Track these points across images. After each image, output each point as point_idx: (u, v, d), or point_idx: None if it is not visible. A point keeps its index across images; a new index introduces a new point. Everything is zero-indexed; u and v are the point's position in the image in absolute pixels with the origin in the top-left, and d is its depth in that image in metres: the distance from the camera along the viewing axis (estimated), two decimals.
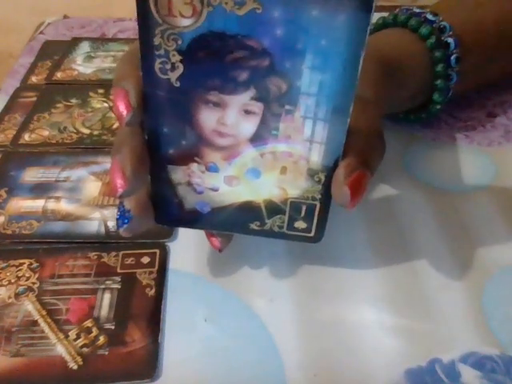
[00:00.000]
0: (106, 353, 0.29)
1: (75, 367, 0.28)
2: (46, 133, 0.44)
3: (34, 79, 0.51)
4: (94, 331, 0.30)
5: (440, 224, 0.37)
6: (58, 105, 0.48)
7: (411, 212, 0.38)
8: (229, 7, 0.22)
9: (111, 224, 0.36)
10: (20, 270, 0.33)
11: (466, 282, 0.33)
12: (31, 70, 0.52)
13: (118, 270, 0.33)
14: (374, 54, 0.23)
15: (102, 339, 0.30)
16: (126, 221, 0.28)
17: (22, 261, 0.34)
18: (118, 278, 0.33)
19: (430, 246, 0.35)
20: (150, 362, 0.29)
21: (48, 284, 0.33)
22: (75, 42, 0.57)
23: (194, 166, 0.27)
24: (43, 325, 0.30)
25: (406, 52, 0.40)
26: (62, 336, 0.30)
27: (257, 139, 0.26)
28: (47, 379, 0.28)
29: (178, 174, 0.27)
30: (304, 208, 0.28)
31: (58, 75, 0.52)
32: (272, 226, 0.29)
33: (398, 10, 0.43)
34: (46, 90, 0.50)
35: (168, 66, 0.24)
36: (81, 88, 0.50)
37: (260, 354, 0.29)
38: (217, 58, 0.24)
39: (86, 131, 0.45)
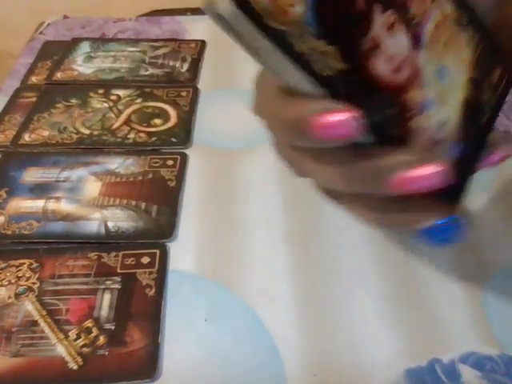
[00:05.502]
0: (106, 353, 0.29)
1: (75, 367, 0.29)
2: (46, 133, 0.44)
3: (34, 79, 0.51)
4: (94, 331, 0.30)
5: None
6: (58, 105, 0.48)
7: None
8: None
9: (111, 224, 0.36)
10: (20, 270, 0.33)
11: (465, 283, 0.33)
12: (31, 70, 0.52)
13: (118, 270, 0.33)
14: None
15: (101, 339, 0.30)
16: (461, 229, 0.24)
17: (22, 261, 0.34)
18: (118, 278, 0.33)
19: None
20: (150, 362, 0.29)
21: (48, 284, 0.33)
22: (75, 42, 0.57)
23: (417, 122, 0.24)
24: (43, 325, 0.30)
25: None
26: (62, 336, 0.30)
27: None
28: (47, 379, 0.28)
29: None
30: None
31: (58, 75, 0.52)
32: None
33: None
34: (45, 90, 0.50)
35: (322, 60, 0.21)
36: (81, 88, 0.50)
37: (260, 354, 0.29)
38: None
39: (86, 131, 0.45)
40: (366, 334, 0.30)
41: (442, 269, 0.34)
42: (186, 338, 0.30)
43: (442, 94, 0.25)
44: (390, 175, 0.22)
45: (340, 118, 0.21)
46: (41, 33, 0.59)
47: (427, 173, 0.22)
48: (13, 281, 0.33)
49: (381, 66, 0.22)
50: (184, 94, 0.49)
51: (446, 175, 0.22)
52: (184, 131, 0.45)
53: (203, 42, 0.57)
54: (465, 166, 0.26)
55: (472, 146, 0.26)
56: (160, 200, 0.38)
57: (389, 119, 0.23)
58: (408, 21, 0.23)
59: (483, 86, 0.26)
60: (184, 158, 0.42)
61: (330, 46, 0.21)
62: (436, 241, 0.24)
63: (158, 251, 0.35)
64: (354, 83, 0.22)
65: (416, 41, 0.24)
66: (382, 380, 0.28)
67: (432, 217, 0.24)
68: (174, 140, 0.44)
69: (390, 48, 0.23)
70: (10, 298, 0.32)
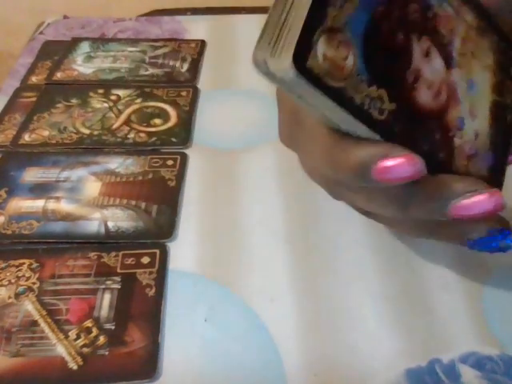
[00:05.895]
0: (106, 353, 0.29)
1: (75, 367, 0.28)
2: (45, 133, 0.44)
3: (34, 79, 0.51)
4: (94, 331, 0.30)
5: None
6: (58, 105, 0.48)
7: None
8: None
9: (111, 224, 0.36)
10: (20, 270, 0.33)
11: (466, 282, 0.33)
12: (31, 70, 0.52)
13: (118, 270, 0.33)
14: None
15: (101, 339, 0.30)
16: (509, 240, 0.25)
17: (22, 261, 0.34)
18: (118, 278, 0.33)
19: (430, 245, 0.35)
20: (150, 362, 0.29)
21: (48, 284, 0.33)
22: (75, 42, 0.57)
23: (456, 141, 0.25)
24: (43, 325, 0.30)
25: None
26: (62, 336, 0.30)
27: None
28: (47, 379, 0.28)
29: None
30: None
31: (58, 75, 0.52)
32: None
33: None
34: (45, 90, 0.50)
35: (375, 106, 0.21)
36: (81, 88, 0.50)
37: (260, 354, 0.29)
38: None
39: (86, 131, 0.45)
40: (366, 334, 0.30)
41: (442, 268, 0.34)
42: (186, 337, 0.30)
43: (473, 106, 0.25)
44: (450, 205, 0.23)
45: (402, 163, 0.22)
46: (41, 33, 0.59)
47: (486, 200, 0.23)
48: (13, 281, 0.33)
49: (423, 95, 0.23)
50: (184, 93, 0.49)
51: (502, 201, 0.23)
52: (184, 131, 0.45)
53: (203, 42, 0.57)
54: (496, 172, 0.26)
55: (500, 150, 0.27)
56: (160, 200, 0.38)
57: (437, 146, 0.24)
58: (440, 42, 0.24)
59: (505, 87, 0.27)
60: (184, 158, 0.42)
61: (380, 89, 0.21)
62: (484, 250, 0.26)
63: (157, 251, 0.35)
64: (403, 121, 0.22)
65: (449, 60, 0.24)
66: (382, 380, 0.28)
67: (479, 229, 0.25)
68: (173, 140, 0.44)
69: (429, 75, 0.23)
70: (9, 297, 0.32)
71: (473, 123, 0.25)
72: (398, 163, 0.22)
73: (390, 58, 0.22)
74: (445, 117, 0.24)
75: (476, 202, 0.23)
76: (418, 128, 0.23)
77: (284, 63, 0.18)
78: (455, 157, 0.25)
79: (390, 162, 0.22)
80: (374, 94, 0.21)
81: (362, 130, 0.22)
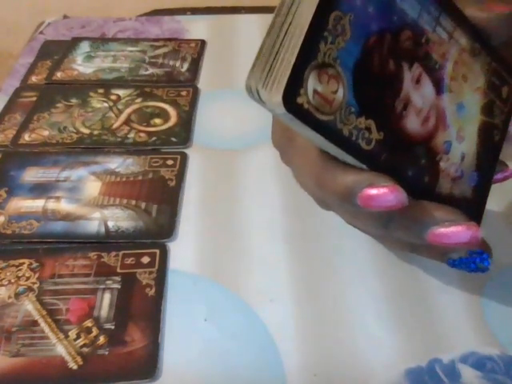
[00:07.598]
0: (106, 353, 0.29)
1: (75, 367, 0.28)
2: (45, 133, 0.44)
3: (33, 79, 0.51)
4: (94, 331, 0.30)
5: None
6: (58, 105, 0.48)
7: None
8: None
9: (111, 224, 0.36)
10: (20, 269, 0.33)
11: (465, 283, 0.33)
12: (31, 70, 0.52)
13: (118, 270, 0.33)
14: None
15: (102, 339, 0.30)
16: (486, 263, 0.27)
17: (21, 261, 0.34)
18: (118, 278, 0.33)
19: None
20: (150, 362, 0.29)
21: (48, 284, 0.33)
22: (75, 41, 0.57)
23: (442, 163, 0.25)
24: (43, 325, 0.30)
25: None
26: (61, 336, 0.30)
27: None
28: (47, 379, 0.28)
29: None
30: None
31: (58, 75, 0.52)
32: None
33: None
34: (45, 90, 0.50)
35: (363, 136, 0.22)
36: (81, 88, 0.50)
37: (260, 354, 0.29)
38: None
39: (86, 131, 0.45)
40: (366, 334, 0.30)
41: (442, 269, 0.34)
42: (186, 337, 0.30)
43: (461, 129, 0.26)
44: (428, 231, 0.24)
45: (385, 193, 0.23)
46: (41, 32, 0.59)
47: (463, 231, 0.24)
48: (13, 280, 0.33)
49: (412, 123, 0.23)
50: (184, 93, 0.49)
51: (478, 235, 0.25)
52: (184, 131, 0.45)
53: (203, 42, 0.57)
54: (481, 191, 0.27)
55: (486, 170, 0.27)
56: (160, 200, 0.38)
57: (422, 171, 0.24)
58: (432, 68, 0.24)
59: (495, 108, 0.27)
60: (184, 158, 0.42)
61: (369, 119, 0.21)
62: (463, 270, 0.27)
63: (157, 251, 0.35)
64: (389, 149, 0.23)
65: (439, 85, 0.24)
66: (382, 380, 0.28)
67: (460, 250, 0.26)
68: (173, 140, 0.44)
69: (418, 102, 0.23)
70: (9, 297, 0.32)
71: (460, 146, 0.26)
72: (381, 193, 0.23)
73: (380, 87, 0.22)
74: (432, 142, 0.25)
75: (453, 232, 0.24)
76: (405, 154, 0.24)
77: (274, 98, 0.18)
78: (440, 180, 0.25)
79: (374, 191, 0.23)
80: (362, 124, 0.21)
81: (349, 158, 0.22)
